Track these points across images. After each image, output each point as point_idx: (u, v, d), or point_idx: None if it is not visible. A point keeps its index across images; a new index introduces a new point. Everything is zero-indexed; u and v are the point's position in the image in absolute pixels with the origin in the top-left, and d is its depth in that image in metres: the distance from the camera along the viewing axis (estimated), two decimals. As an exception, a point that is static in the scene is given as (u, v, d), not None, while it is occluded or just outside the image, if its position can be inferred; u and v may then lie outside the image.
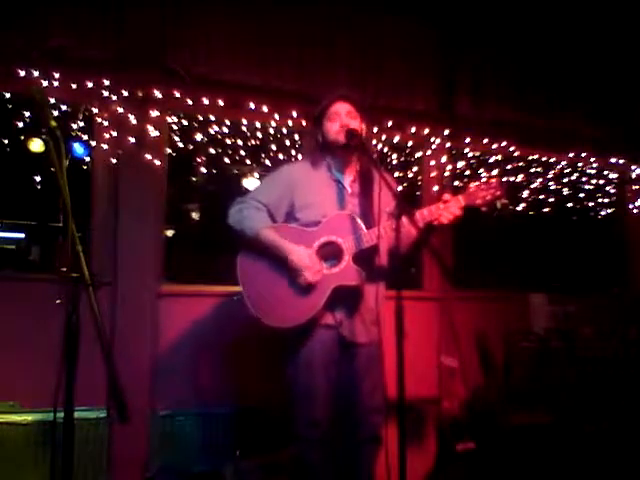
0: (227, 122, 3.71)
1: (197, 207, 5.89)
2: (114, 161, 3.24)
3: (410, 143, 4.14)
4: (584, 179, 4.76)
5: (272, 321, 2.36)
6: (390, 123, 3.89)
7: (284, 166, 2.67)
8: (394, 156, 4.19)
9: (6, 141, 3.49)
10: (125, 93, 3.23)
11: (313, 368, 2.36)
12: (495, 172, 4.37)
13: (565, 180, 4.71)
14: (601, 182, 4.81)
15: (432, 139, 4.06)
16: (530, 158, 4.55)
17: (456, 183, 4.22)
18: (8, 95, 3.25)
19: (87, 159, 3.51)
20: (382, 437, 2.41)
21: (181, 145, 3.68)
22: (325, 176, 2.51)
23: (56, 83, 3.13)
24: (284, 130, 3.80)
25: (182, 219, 5.66)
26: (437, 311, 3.97)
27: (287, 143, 3.88)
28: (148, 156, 3.27)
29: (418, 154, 4.17)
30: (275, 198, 2.48)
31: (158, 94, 3.29)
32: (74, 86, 3.17)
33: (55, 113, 3.25)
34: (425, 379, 3.73)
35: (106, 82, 3.22)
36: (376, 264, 2.44)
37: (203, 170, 3.94)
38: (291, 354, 2.41)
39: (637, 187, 4.82)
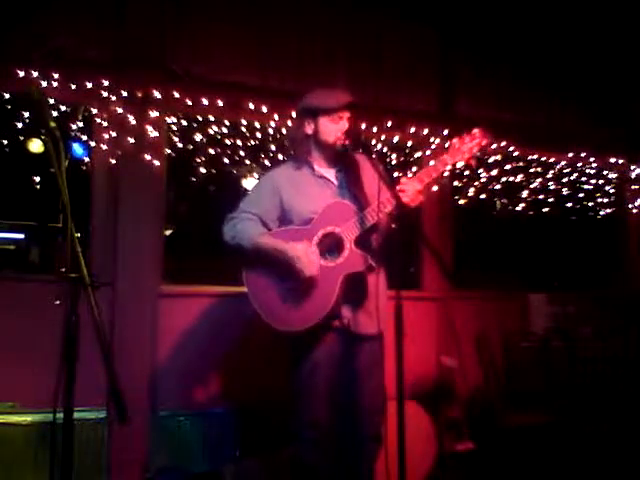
0: (226, 122, 3.71)
1: (196, 207, 5.89)
2: (113, 161, 3.24)
3: (410, 143, 4.14)
4: (583, 179, 4.76)
5: (287, 326, 2.34)
6: (390, 123, 3.89)
7: (267, 173, 2.66)
8: (393, 156, 4.19)
9: (5, 142, 3.48)
10: (124, 93, 3.23)
11: (318, 373, 2.35)
12: (495, 172, 4.38)
13: (565, 180, 4.71)
14: (600, 182, 4.81)
15: (432, 139, 4.06)
16: (530, 158, 4.54)
17: (455, 183, 4.23)
18: (7, 95, 3.25)
19: (86, 159, 3.51)
20: (382, 436, 2.41)
21: (180, 145, 3.68)
22: (309, 175, 2.50)
23: (55, 83, 3.13)
24: (284, 130, 3.80)
25: (181, 219, 5.66)
26: (437, 311, 3.97)
27: (286, 143, 3.87)
28: (147, 156, 3.27)
29: (418, 154, 4.17)
30: (264, 206, 2.47)
31: (157, 94, 3.29)
32: (73, 86, 3.17)
33: (54, 113, 3.25)
34: (425, 379, 3.73)
35: (105, 82, 3.21)
36: (377, 251, 2.43)
37: (202, 170, 3.94)
38: (296, 356, 2.40)
39: (636, 187, 4.82)
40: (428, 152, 4.09)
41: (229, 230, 2.46)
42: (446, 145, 3.98)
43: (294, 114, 3.60)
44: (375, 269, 2.39)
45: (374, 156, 2.42)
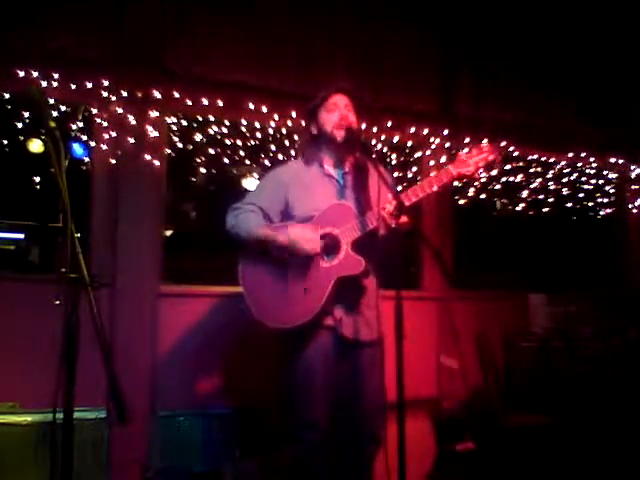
0: (226, 122, 3.71)
1: (196, 207, 5.90)
2: (113, 161, 3.24)
3: (410, 143, 4.14)
4: (583, 179, 4.76)
5: (276, 322, 2.35)
6: (390, 123, 3.89)
7: (277, 167, 2.67)
8: (393, 156, 4.19)
9: (5, 142, 3.48)
10: (124, 93, 3.23)
11: (312, 371, 2.35)
12: (495, 172, 4.38)
13: (564, 180, 4.71)
14: (600, 182, 4.81)
15: (432, 139, 4.06)
16: (529, 158, 4.55)
17: (455, 183, 4.22)
18: (7, 95, 3.25)
19: (86, 159, 3.50)
20: (382, 438, 2.40)
21: (180, 145, 3.68)
22: (318, 172, 2.51)
23: (55, 83, 3.13)
24: (283, 130, 3.80)
25: (181, 219, 5.66)
26: (437, 311, 3.97)
27: (286, 143, 3.88)
28: (147, 156, 3.27)
29: (417, 154, 4.17)
30: (268, 200, 2.48)
31: (157, 94, 3.29)
32: (73, 86, 3.17)
33: (54, 113, 3.25)
34: (425, 379, 3.73)
35: (105, 82, 3.21)
36: (374, 256, 2.43)
37: (202, 170, 3.94)
38: (291, 356, 2.40)
39: (636, 187, 4.82)
40: (428, 152, 4.10)
41: (230, 219, 2.48)
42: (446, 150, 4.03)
43: (294, 114, 3.63)
44: (370, 274, 2.39)
45: (377, 160, 2.41)
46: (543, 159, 4.62)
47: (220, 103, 3.47)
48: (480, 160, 2.40)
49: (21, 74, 3.07)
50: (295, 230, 2.33)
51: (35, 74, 3.09)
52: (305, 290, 2.33)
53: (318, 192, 2.45)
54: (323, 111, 2.47)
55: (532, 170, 4.61)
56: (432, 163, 4.09)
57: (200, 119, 3.67)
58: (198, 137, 3.71)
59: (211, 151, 3.79)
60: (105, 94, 3.22)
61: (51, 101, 3.20)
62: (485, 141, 2.46)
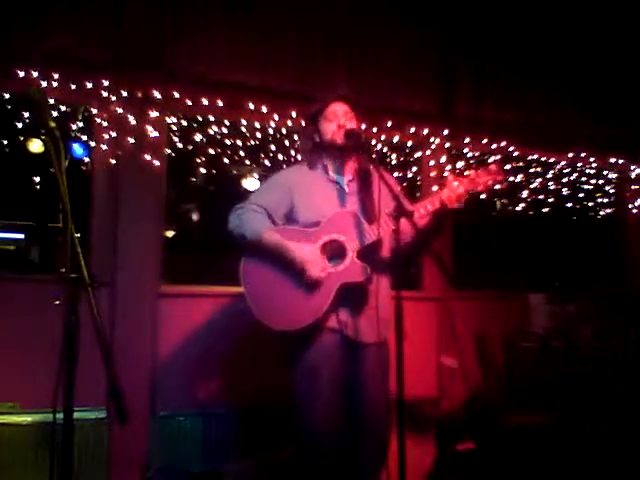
0: (226, 122, 3.71)
1: (197, 207, 5.90)
2: (113, 162, 3.24)
3: (409, 143, 4.14)
4: (583, 179, 4.77)
5: (279, 325, 2.33)
6: (389, 123, 3.89)
7: (281, 170, 2.66)
8: (393, 156, 4.19)
9: (5, 142, 3.49)
10: (124, 93, 3.23)
11: (317, 375, 2.32)
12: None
13: (564, 180, 4.72)
14: (600, 182, 4.82)
15: (431, 139, 4.06)
16: (529, 158, 4.55)
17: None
18: (7, 95, 3.26)
19: (86, 160, 3.51)
20: (387, 443, 2.39)
21: (180, 145, 3.68)
22: (322, 178, 2.50)
23: (55, 84, 3.13)
24: (283, 130, 3.80)
25: (182, 219, 5.66)
26: (437, 311, 3.97)
27: (286, 143, 3.88)
28: (147, 156, 3.27)
29: (417, 154, 4.17)
30: (273, 201, 2.47)
31: (157, 94, 3.29)
32: (73, 87, 3.17)
33: (54, 114, 3.25)
34: (425, 379, 3.73)
35: (105, 82, 3.22)
36: (379, 262, 2.43)
37: (202, 170, 3.94)
38: (295, 360, 2.38)
39: (636, 187, 4.83)
40: (428, 152, 4.10)
41: (234, 219, 2.45)
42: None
43: (294, 114, 3.63)
44: (372, 281, 2.38)
45: (379, 163, 2.41)
46: (543, 159, 4.62)
47: (220, 103, 3.47)
48: (488, 179, 2.43)
49: (21, 74, 3.08)
50: (306, 249, 2.32)
51: (35, 74, 3.09)
52: (308, 294, 2.32)
53: (323, 198, 2.45)
54: (323, 120, 2.46)
55: (532, 170, 4.61)
56: (432, 163, 4.09)
57: (200, 119, 3.67)
58: (198, 137, 3.71)
59: (211, 151, 3.79)
60: (105, 94, 3.22)
61: (51, 101, 3.21)
62: (493, 165, 2.47)
